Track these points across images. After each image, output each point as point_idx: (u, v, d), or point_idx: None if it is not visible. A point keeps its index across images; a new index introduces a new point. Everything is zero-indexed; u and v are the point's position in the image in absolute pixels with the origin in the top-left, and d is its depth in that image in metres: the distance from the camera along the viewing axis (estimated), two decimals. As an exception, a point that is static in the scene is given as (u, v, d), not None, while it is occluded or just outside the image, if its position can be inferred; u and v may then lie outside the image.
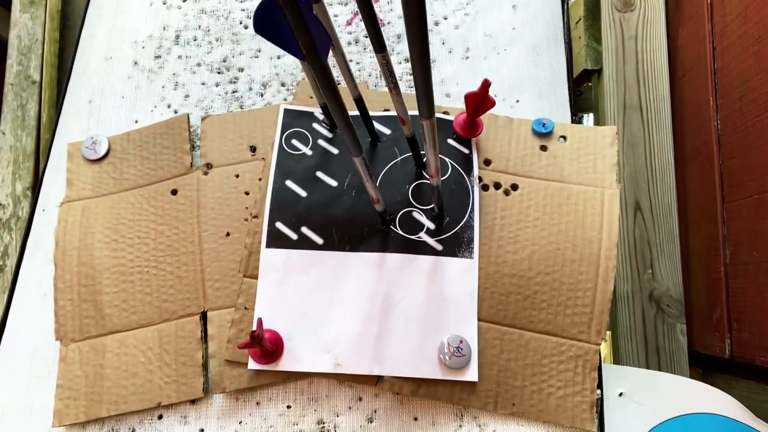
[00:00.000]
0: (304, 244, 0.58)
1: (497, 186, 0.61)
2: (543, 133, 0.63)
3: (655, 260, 1.07)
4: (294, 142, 0.62)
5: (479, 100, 0.56)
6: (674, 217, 1.07)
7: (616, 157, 0.62)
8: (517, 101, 0.67)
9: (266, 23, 0.30)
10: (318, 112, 0.63)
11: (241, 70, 0.70)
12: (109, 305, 0.59)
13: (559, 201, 0.60)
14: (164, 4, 0.73)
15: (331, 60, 0.45)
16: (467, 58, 0.69)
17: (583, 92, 1.33)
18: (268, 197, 0.59)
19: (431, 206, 0.59)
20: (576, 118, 0.67)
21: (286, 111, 0.64)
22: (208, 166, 0.64)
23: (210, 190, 0.62)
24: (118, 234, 0.61)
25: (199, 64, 0.70)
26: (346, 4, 0.72)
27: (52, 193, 0.66)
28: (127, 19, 0.73)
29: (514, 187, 0.61)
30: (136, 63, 0.71)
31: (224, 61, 0.70)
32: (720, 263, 0.93)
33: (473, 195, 0.59)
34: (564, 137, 0.63)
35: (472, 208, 0.59)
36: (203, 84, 0.69)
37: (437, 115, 0.64)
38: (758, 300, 0.82)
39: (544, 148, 0.62)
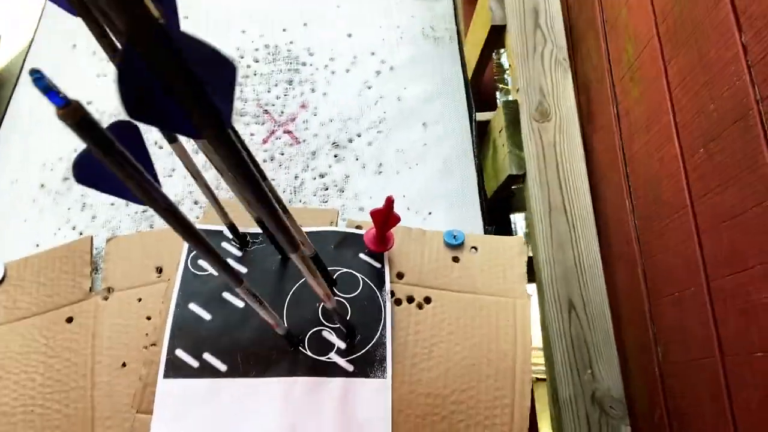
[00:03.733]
0: (206, 371, 0.54)
1: (410, 299, 0.60)
2: (454, 244, 0.63)
3: (594, 360, 1.06)
4: (201, 262, 0.60)
5: (385, 217, 0.56)
6: (607, 316, 1.07)
7: (525, 267, 0.62)
8: (430, 213, 0.68)
9: (91, 173, 0.29)
10: (227, 231, 0.62)
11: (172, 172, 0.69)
12: (-17, 454, 0.53)
13: (472, 313, 0.59)
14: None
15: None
16: (380, 172, 0.70)
17: (516, 193, 1.38)
18: (168, 322, 0.56)
19: (347, 320, 0.57)
20: (489, 228, 0.68)
21: (194, 231, 0.62)
22: (109, 290, 0.60)
23: (108, 316, 0.58)
24: (4, 370, 0.56)
25: None
26: (263, 123, 0.74)
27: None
28: (39, 140, 0.72)
29: (428, 300, 0.60)
30: (42, 185, 0.69)
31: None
32: (654, 363, 0.93)
33: (385, 311, 0.58)
34: (475, 248, 0.63)
35: (384, 325, 0.57)
36: (112, 204, 0.68)
37: (350, 229, 0.64)
38: (694, 400, 0.81)
39: (456, 259, 0.63)
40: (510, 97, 1.34)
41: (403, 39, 0.81)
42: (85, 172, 0.28)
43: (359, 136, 0.73)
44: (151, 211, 0.67)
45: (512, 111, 1.21)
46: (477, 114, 1.01)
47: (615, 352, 1.06)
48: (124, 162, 0.26)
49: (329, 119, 0.74)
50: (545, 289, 0.94)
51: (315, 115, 0.74)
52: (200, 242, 0.34)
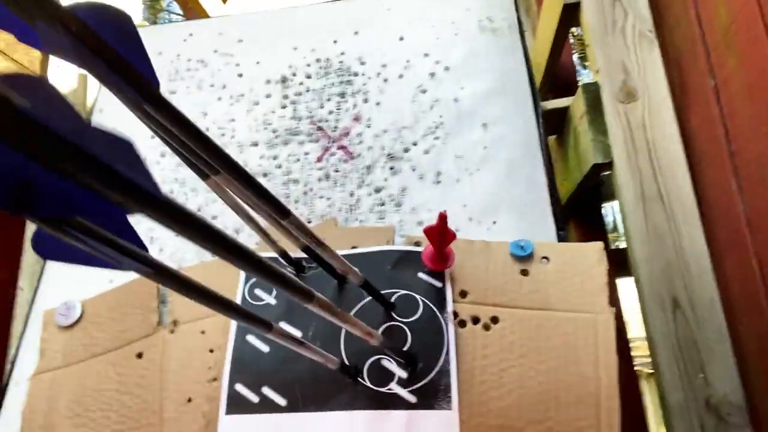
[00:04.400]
0: (267, 407, 0.53)
1: (475, 320, 0.55)
2: (522, 256, 0.57)
3: (706, 362, 0.94)
4: (257, 291, 0.59)
5: (440, 234, 0.52)
6: (719, 314, 0.95)
7: (605, 277, 0.55)
8: (494, 223, 0.62)
9: (54, 247, 0.27)
10: (281, 258, 0.61)
11: (214, 217, 0.69)
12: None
13: (546, 333, 0.53)
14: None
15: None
16: (438, 182, 0.66)
17: (605, 180, 1.28)
18: (228, 357, 0.56)
19: (403, 350, 0.53)
20: (562, 234, 0.61)
21: (251, 259, 0.61)
22: (175, 323, 0.61)
23: (175, 350, 0.59)
24: (82, 407, 0.59)
25: None
26: (317, 140, 0.72)
27: (26, 367, 0.64)
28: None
29: (495, 320, 0.55)
30: None
31: (199, 210, 0.70)
32: None
33: (447, 334, 0.54)
34: (546, 258, 0.57)
35: (448, 350, 0.53)
36: (177, 236, 0.69)
37: (407, 247, 0.60)
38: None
39: (525, 272, 0.57)
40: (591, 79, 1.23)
41: (458, 35, 0.76)
42: (47, 246, 0.27)
43: (415, 144, 0.69)
44: None
45: (593, 94, 1.11)
46: (555, 100, 0.93)
47: (731, 353, 0.94)
48: (88, 237, 0.24)
49: (383, 130, 0.71)
50: (644, 288, 0.85)
51: (369, 126, 0.71)
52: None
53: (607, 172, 1.30)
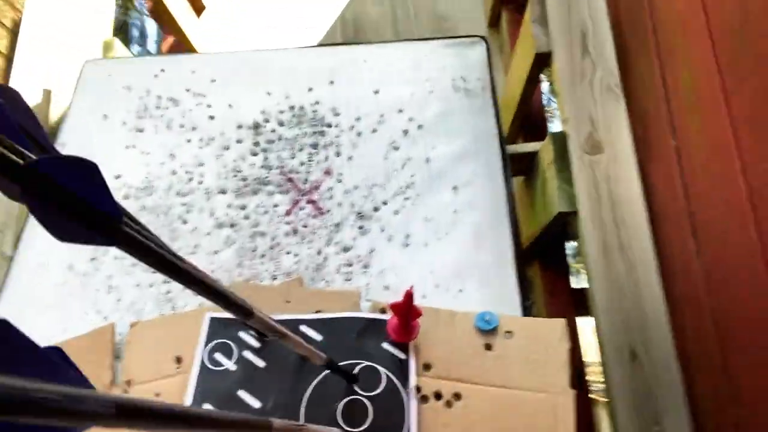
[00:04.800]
0: None
1: (438, 396, 0.55)
2: (486, 330, 0.58)
3: (662, 414, 0.97)
4: (217, 356, 0.58)
5: (405, 311, 0.52)
6: (675, 366, 0.98)
7: (567, 355, 0.56)
8: (460, 291, 0.63)
9: None
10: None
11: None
12: None
13: (507, 413, 0.54)
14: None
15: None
16: (407, 245, 0.66)
17: (570, 222, 1.30)
18: None
19: (365, 428, 0.53)
20: (528, 303, 0.62)
21: (212, 320, 0.60)
22: (128, 383, 0.59)
23: None
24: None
25: (134, 264, 0.68)
26: (287, 192, 0.72)
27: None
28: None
29: (457, 396, 0.55)
30: (71, 267, 0.69)
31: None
32: (734, 423, 0.83)
33: (409, 411, 0.53)
34: (510, 332, 0.58)
35: (408, 428, 0.53)
36: (137, 285, 0.67)
37: (373, 315, 0.60)
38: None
39: (488, 346, 0.57)
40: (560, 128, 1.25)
41: (432, 93, 0.77)
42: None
43: (385, 204, 0.69)
44: (174, 292, 0.66)
45: (560, 143, 1.13)
46: (525, 144, 0.94)
47: (685, 407, 0.96)
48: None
49: (354, 186, 0.70)
50: (604, 338, 0.86)
51: (340, 181, 0.71)
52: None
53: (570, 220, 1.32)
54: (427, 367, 0.57)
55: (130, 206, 0.73)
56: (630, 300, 1.05)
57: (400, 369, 0.56)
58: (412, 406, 0.54)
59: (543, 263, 1.21)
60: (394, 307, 0.52)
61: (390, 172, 0.70)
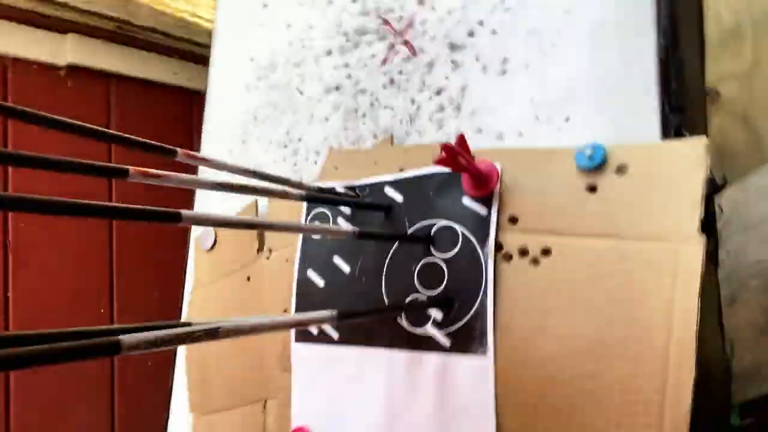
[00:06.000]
0: (323, 338, 0.56)
1: (524, 253, 0.46)
2: (590, 167, 0.44)
3: None
4: (317, 224, 0.60)
5: (454, 165, 0.44)
6: None
7: (701, 189, 0.39)
8: (567, 120, 0.48)
9: None
10: (340, 186, 0.59)
11: (300, 140, 0.70)
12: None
13: (608, 267, 0.42)
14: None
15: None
16: (504, 72, 0.53)
17: None
18: (294, 289, 0.59)
19: (439, 289, 0.49)
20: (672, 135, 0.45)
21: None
22: (270, 250, 0.67)
23: (269, 276, 0.65)
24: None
25: (270, 142, 0.73)
26: (383, 38, 0.64)
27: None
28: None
29: (546, 252, 0.45)
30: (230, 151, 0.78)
31: (287, 133, 0.72)
32: None
33: (486, 272, 0.47)
34: (623, 167, 0.43)
35: (485, 290, 0.46)
36: (274, 162, 0.72)
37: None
38: None
39: (592, 188, 0.44)
40: None
41: None
42: None
43: (481, 24, 0.56)
44: (299, 165, 0.69)
45: None
46: None
47: None
48: None
49: (447, 12, 0.58)
50: None
51: (433, 8, 0.60)
52: None
53: None
54: (513, 220, 0.47)
55: (261, 88, 0.77)
56: None
57: (480, 227, 0.48)
58: (490, 266, 0.47)
59: None
60: (441, 163, 0.44)
61: (487, -20, 0.56)
